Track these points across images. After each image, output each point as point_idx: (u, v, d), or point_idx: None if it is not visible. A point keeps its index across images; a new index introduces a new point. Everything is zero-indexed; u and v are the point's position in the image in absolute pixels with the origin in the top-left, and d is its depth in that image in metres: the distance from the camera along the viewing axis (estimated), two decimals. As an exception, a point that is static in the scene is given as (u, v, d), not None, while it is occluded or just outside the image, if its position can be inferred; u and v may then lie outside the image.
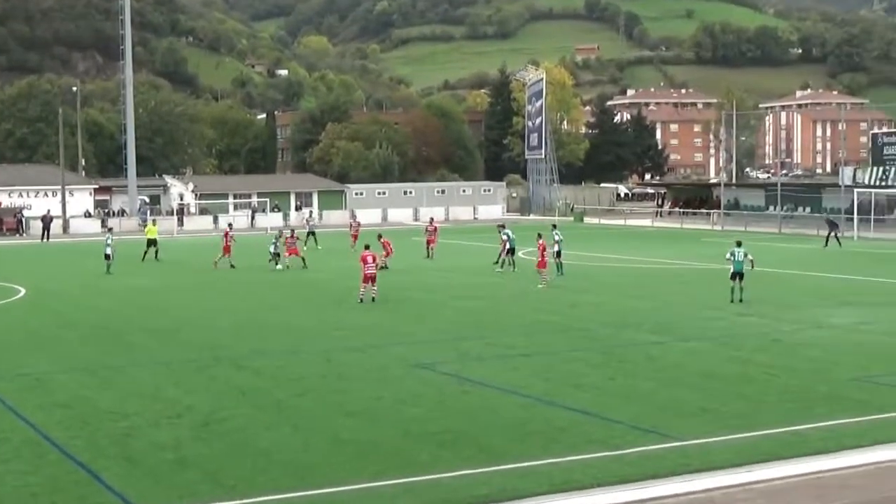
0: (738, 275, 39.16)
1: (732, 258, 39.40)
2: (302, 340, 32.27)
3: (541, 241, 47.00)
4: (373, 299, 41.07)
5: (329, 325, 35.47)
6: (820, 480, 17.22)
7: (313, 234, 71.96)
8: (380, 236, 55.15)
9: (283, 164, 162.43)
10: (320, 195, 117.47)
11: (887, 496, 16.37)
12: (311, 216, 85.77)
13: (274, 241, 57.43)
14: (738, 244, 40.14)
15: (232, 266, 57.07)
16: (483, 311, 38.66)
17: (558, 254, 50.93)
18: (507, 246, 53.35)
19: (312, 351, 30.28)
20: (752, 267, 40.15)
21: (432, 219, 71.54)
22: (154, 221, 71.70)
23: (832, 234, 71.65)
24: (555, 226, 56.16)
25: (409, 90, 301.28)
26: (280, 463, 18.53)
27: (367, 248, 43.16)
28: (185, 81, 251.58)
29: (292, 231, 61.34)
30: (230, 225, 66.19)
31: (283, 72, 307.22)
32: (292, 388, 24.99)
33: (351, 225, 72.26)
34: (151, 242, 63.52)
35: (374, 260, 41.95)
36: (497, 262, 54.57)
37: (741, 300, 38.69)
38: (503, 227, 57.24)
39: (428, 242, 62.36)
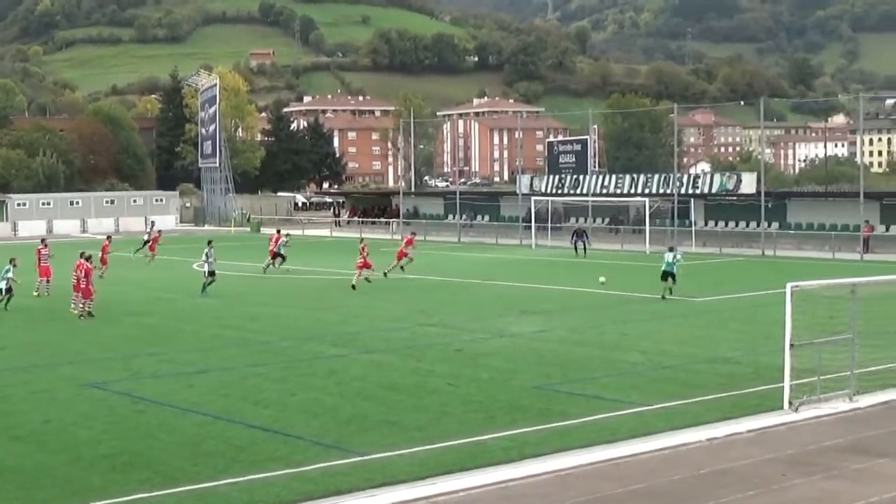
0: (668, 275, 45.23)
1: (664, 261, 45.77)
2: (-41, 363, 30.88)
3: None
4: (89, 314, 40.57)
5: (-11, 346, 34.10)
6: (504, 490, 17.65)
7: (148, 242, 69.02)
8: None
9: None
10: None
11: None
12: (153, 226, 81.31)
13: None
14: (671, 249, 47.33)
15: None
16: (158, 328, 37.99)
17: (211, 273, 49.75)
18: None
19: (-29, 374, 29.04)
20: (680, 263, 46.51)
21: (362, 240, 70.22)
22: None
23: (582, 242, 72.36)
24: (210, 241, 53.73)
25: (75, 95, 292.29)
26: (-63, 496, 17.67)
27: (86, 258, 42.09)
28: None
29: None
30: (109, 237, 63.61)
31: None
32: (-51, 415, 23.88)
33: (149, 234, 70.30)
34: None
35: (86, 273, 40.86)
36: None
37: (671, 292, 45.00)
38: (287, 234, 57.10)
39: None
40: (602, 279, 50.50)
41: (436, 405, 24.22)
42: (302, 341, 34.28)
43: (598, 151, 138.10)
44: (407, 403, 24.45)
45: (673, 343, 33.16)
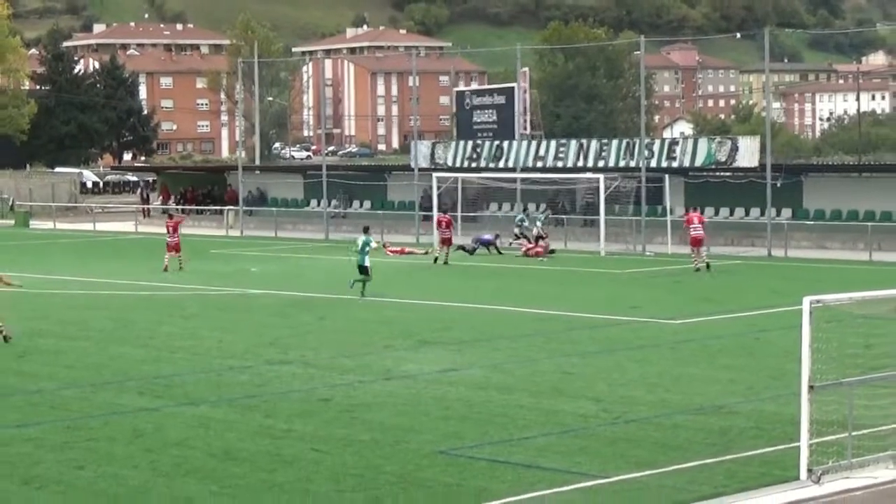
0: None
1: None
2: None
3: None
4: None
5: None
6: None
7: None
8: None
9: None
10: None
11: None
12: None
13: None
14: None
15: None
16: None
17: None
18: None
19: None
20: None
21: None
22: None
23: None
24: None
25: None
26: None
27: None
28: None
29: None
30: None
31: None
32: None
33: None
34: None
35: None
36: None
37: None
38: None
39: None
40: (254, 269, 51.00)
41: (294, 481, 24.13)
42: (94, 389, 34.00)
43: (531, 106, 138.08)
44: (251, 479, 24.34)
45: (641, 386, 33.29)
